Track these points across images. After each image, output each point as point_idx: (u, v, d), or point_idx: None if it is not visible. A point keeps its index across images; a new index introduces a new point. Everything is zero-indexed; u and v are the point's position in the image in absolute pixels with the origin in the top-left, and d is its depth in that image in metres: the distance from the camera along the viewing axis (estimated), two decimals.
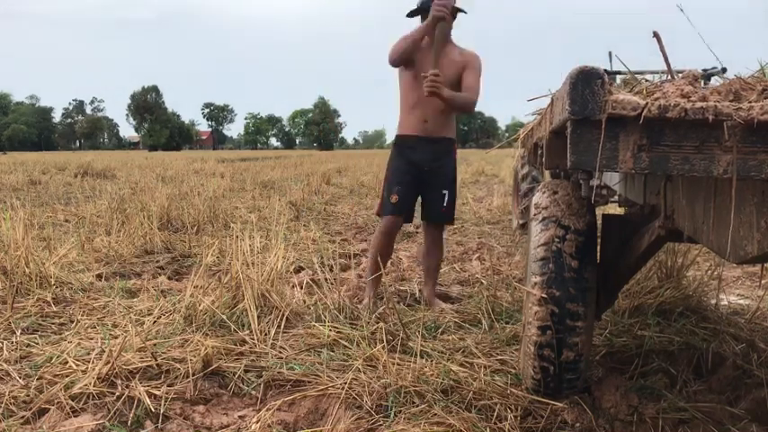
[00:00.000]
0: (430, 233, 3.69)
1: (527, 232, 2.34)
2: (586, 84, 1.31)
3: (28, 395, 2.21)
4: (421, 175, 3.53)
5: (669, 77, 1.61)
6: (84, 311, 3.29)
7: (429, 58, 3.37)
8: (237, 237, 3.37)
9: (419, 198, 3.64)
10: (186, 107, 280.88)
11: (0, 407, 2.11)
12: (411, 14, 3.60)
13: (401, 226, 3.66)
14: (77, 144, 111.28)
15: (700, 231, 1.52)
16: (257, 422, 2.04)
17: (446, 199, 3.57)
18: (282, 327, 2.89)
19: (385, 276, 4.12)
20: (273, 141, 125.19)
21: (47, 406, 2.13)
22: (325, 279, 3.29)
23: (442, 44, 3.39)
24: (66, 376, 2.34)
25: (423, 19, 3.49)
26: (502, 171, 16.48)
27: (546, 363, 2.02)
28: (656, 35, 1.67)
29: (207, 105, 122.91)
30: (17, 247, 3.67)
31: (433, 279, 3.69)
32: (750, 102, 1.26)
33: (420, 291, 3.76)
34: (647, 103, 1.26)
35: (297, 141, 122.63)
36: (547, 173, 4.79)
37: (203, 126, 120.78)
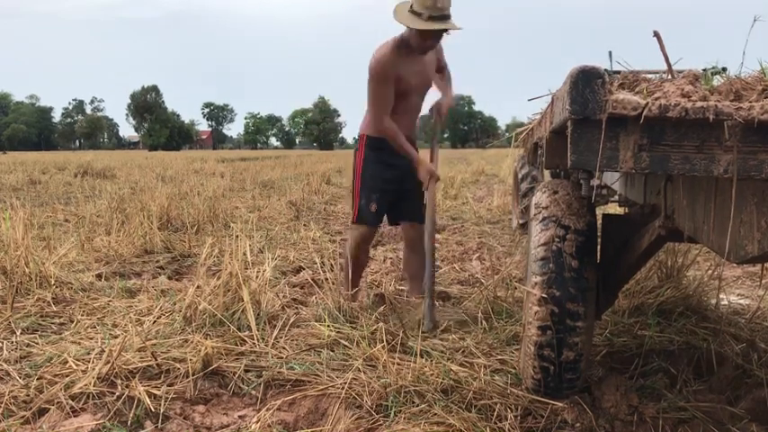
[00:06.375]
0: (416, 232, 3.44)
1: (527, 232, 2.33)
2: (587, 83, 1.31)
3: (28, 395, 2.21)
4: (400, 178, 3.37)
5: (670, 77, 1.61)
6: (84, 311, 3.29)
7: (413, 68, 3.24)
8: (237, 236, 3.37)
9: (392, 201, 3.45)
10: (186, 107, 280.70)
11: (0, 407, 2.11)
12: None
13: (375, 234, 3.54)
14: (77, 144, 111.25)
15: (700, 231, 1.52)
16: (257, 422, 2.04)
17: (423, 195, 3.40)
18: (281, 327, 2.89)
19: (388, 277, 4.12)
20: (273, 141, 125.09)
21: (47, 406, 2.13)
22: (325, 279, 3.28)
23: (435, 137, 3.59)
24: (67, 376, 2.34)
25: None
26: (502, 171, 16.44)
27: (546, 362, 2.02)
28: (656, 35, 1.66)
29: (207, 105, 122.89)
30: (17, 246, 3.67)
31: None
32: (750, 101, 1.26)
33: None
34: (647, 103, 1.26)
35: (297, 141, 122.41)
36: (547, 173, 4.78)
37: (203, 126, 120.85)
